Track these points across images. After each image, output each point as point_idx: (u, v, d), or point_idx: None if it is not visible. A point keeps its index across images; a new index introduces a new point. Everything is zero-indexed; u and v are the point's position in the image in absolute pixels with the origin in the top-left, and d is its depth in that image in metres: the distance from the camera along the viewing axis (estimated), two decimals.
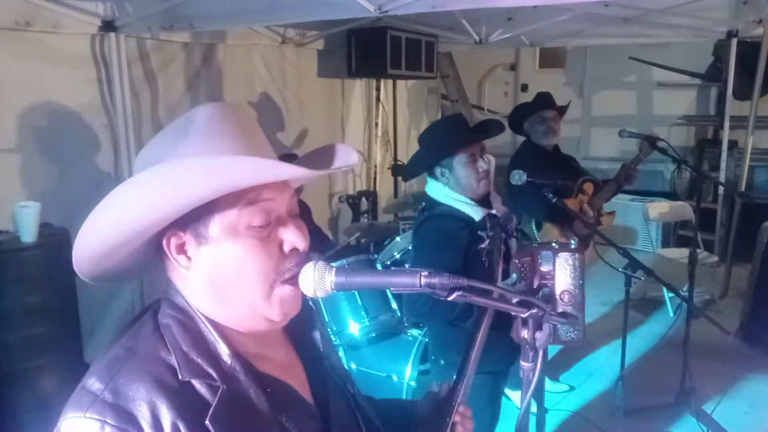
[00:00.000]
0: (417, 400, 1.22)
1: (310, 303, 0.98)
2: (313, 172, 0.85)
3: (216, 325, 0.84)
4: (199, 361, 0.79)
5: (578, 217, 2.88)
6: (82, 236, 0.77)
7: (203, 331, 0.82)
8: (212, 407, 0.75)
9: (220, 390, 0.77)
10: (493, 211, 2.17)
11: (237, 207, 0.81)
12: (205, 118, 0.82)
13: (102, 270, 0.84)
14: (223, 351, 0.81)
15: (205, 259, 0.82)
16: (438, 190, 2.21)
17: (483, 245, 1.86)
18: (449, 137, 2.20)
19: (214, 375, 0.78)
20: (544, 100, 3.43)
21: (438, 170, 2.19)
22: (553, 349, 3.63)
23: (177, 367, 0.77)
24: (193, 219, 0.80)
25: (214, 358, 0.80)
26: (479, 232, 2.04)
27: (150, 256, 0.86)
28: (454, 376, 1.12)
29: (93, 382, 0.75)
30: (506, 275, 1.92)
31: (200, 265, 0.82)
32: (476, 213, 2.13)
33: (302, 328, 0.98)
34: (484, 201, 2.21)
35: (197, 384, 0.77)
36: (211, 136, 0.81)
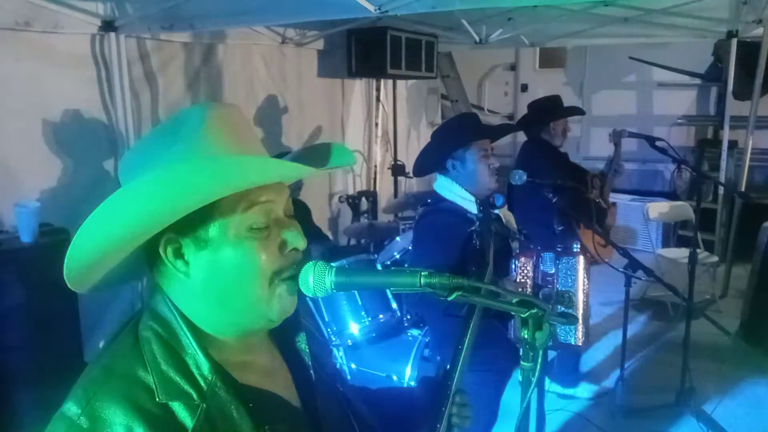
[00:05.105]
0: (413, 387, 1.23)
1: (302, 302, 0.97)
2: (319, 170, 0.84)
3: (199, 336, 0.82)
4: (178, 379, 0.77)
5: (583, 216, 2.92)
6: (78, 242, 0.75)
7: (184, 345, 0.81)
8: (190, 430, 0.74)
9: (199, 409, 0.76)
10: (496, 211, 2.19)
11: (238, 209, 0.80)
12: (196, 119, 0.81)
13: (90, 280, 0.82)
14: (203, 365, 0.79)
15: (205, 263, 0.81)
16: (445, 187, 2.23)
17: (473, 227, 1.88)
18: (464, 130, 2.25)
19: (193, 394, 0.77)
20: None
21: (450, 163, 2.21)
22: None
23: (154, 387, 0.75)
24: (192, 222, 0.79)
25: (193, 375, 0.79)
26: (468, 214, 2.06)
27: (137, 263, 0.85)
28: (449, 364, 1.12)
29: (70, 407, 0.74)
30: (506, 272, 1.93)
31: (199, 269, 0.81)
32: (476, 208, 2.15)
33: (288, 329, 0.97)
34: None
35: (175, 405, 0.75)
36: (205, 138, 0.79)
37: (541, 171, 2.77)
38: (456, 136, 2.23)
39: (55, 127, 2.95)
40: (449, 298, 0.81)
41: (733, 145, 5.40)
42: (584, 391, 3.41)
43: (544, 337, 0.88)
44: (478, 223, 1.91)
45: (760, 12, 4.11)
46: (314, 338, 1.01)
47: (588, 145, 7.37)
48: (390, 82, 5.58)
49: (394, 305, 3.03)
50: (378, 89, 5.61)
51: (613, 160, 3.56)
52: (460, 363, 1.11)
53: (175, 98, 3.61)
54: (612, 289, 3.51)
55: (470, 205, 2.16)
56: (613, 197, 4.56)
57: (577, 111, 3.73)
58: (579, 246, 1.73)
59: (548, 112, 3.56)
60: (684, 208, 4.86)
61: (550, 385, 3.41)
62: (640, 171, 6.92)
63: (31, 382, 2.39)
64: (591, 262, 2.52)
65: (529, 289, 1.69)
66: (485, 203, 2.09)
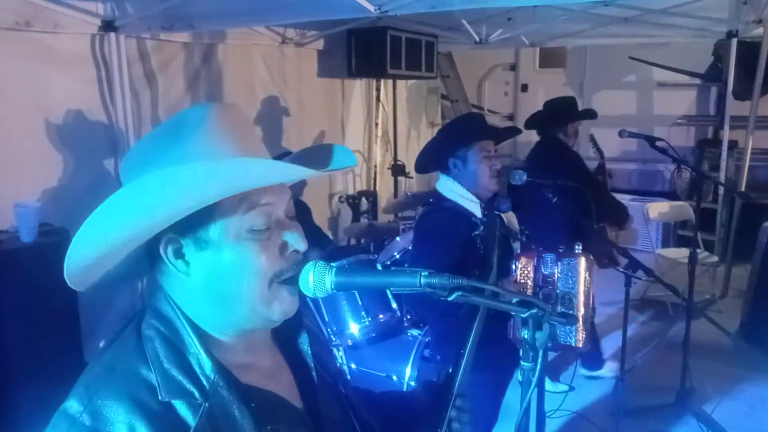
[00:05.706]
0: (415, 390, 1.22)
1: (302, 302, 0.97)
2: (321, 172, 0.84)
3: (202, 335, 0.82)
4: (180, 378, 0.77)
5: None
6: (78, 242, 0.75)
7: (187, 344, 0.81)
8: (192, 428, 0.74)
9: (201, 408, 0.76)
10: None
11: (239, 210, 0.80)
12: (197, 119, 0.81)
13: (91, 278, 0.82)
14: (206, 365, 0.79)
15: (205, 264, 0.81)
16: (447, 186, 2.23)
17: (477, 231, 1.87)
18: (469, 129, 2.25)
19: (196, 393, 0.77)
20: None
21: (451, 161, 2.21)
22: None
23: (157, 386, 0.75)
24: (192, 223, 0.79)
25: (195, 374, 0.79)
26: (472, 218, 2.07)
27: (138, 262, 0.84)
28: (451, 368, 1.12)
29: (72, 405, 0.74)
30: (507, 273, 1.92)
31: (199, 270, 0.81)
32: (480, 211, 2.15)
33: (290, 330, 0.97)
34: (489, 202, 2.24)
35: (177, 404, 0.75)
36: (207, 138, 0.79)
37: (564, 171, 2.81)
38: (460, 134, 2.23)
39: (55, 127, 2.95)
40: (449, 299, 0.81)
41: (733, 145, 5.40)
42: (584, 390, 3.42)
43: (544, 337, 0.88)
44: (482, 227, 1.91)
45: (760, 12, 4.11)
46: (316, 339, 1.01)
47: (588, 145, 7.36)
48: (390, 82, 5.58)
49: (394, 305, 3.03)
50: (378, 89, 5.61)
51: (601, 165, 3.66)
52: (462, 368, 1.11)
53: (175, 98, 3.61)
54: (612, 289, 3.51)
55: (472, 206, 2.16)
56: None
57: (593, 114, 3.79)
58: (581, 247, 1.73)
59: (568, 112, 3.58)
60: (684, 208, 4.87)
61: (550, 385, 3.41)
62: (640, 171, 6.91)
63: (31, 381, 2.40)
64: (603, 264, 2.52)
65: (529, 290, 1.69)
66: (490, 207, 2.09)
